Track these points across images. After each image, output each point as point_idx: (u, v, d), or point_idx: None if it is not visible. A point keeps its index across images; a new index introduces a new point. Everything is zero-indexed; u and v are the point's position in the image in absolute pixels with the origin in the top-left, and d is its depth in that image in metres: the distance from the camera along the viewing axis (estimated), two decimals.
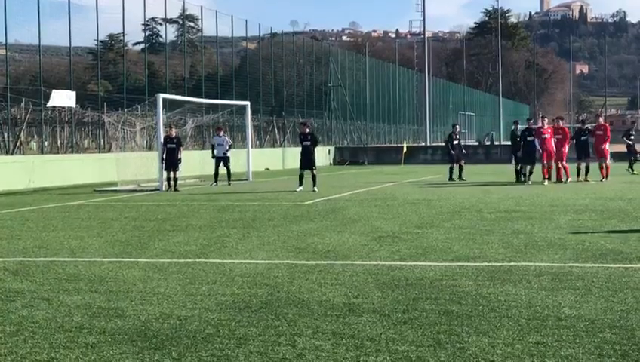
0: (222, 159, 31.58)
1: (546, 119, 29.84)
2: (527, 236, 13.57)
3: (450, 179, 31.64)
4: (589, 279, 9.45)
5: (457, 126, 34.96)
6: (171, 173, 28.13)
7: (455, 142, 32.73)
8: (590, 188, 26.00)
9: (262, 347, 6.68)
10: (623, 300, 8.26)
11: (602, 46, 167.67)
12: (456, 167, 32.26)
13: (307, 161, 26.68)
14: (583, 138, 30.01)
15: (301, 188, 26.41)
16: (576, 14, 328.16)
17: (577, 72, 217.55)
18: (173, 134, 29.14)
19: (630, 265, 10.42)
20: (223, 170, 31.52)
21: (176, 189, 27.73)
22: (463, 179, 31.44)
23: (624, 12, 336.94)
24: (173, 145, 28.45)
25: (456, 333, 7.00)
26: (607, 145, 29.85)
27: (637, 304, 8.07)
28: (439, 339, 6.82)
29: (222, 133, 33.01)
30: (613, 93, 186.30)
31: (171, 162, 28.17)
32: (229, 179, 31.25)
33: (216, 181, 31.04)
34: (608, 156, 29.93)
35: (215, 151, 31.90)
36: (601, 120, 31.85)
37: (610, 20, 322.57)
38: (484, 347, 6.57)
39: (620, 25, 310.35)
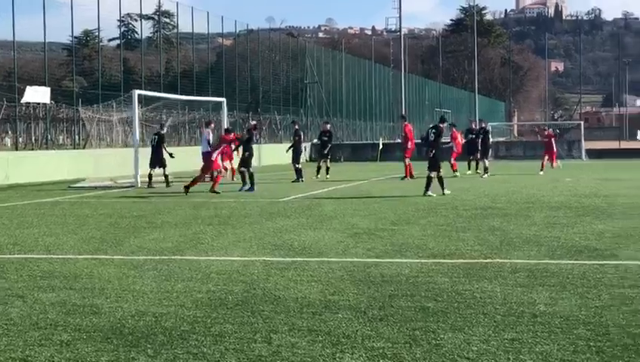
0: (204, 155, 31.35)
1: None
2: (503, 233, 13.63)
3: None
4: (564, 276, 9.50)
5: (328, 125, 33.92)
6: (156, 169, 28.04)
7: (325, 138, 32.08)
8: (565, 185, 26.15)
9: (238, 344, 6.68)
10: (597, 297, 8.31)
11: (577, 43, 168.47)
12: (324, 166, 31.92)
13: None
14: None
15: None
16: (551, 12, 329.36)
17: (553, 69, 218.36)
18: (163, 131, 29.29)
19: (604, 262, 10.48)
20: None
21: (151, 186, 27.57)
22: (327, 178, 30.88)
23: (599, 10, 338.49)
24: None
25: (432, 330, 7.02)
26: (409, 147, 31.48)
27: (611, 301, 8.12)
28: (415, 336, 6.83)
29: (212, 126, 32.50)
30: (588, 90, 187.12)
31: (159, 159, 28.07)
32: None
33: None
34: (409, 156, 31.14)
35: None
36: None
37: (585, 18, 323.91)
38: (460, 343, 6.59)
39: (595, 23, 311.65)
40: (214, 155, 24.98)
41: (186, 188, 23.72)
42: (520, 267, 10.18)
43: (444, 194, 21.71)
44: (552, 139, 34.19)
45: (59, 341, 6.85)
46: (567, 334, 6.85)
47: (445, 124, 24.00)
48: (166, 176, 27.95)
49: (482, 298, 8.32)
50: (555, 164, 33.80)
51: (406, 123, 32.69)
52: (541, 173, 32.37)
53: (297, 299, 8.38)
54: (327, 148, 31.97)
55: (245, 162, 25.49)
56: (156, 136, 28.85)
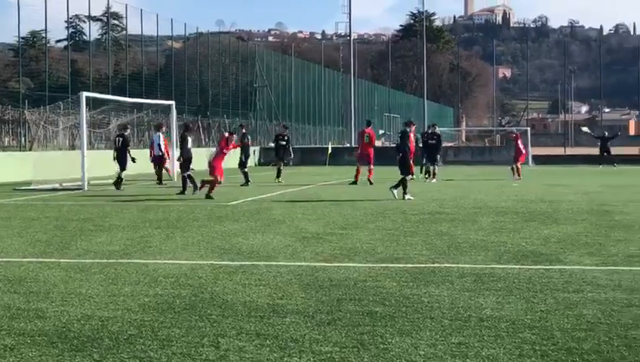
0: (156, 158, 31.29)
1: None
2: (451, 238, 13.72)
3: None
4: (511, 280, 9.59)
5: (287, 129, 34.90)
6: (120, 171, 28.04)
7: (282, 142, 32.42)
8: (512, 190, 26.40)
9: (185, 348, 6.64)
10: (542, 301, 8.40)
11: (525, 50, 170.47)
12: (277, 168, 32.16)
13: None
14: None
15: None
16: (499, 19, 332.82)
17: (500, 75, 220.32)
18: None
19: (550, 267, 10.60)
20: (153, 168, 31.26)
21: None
22: (280, 182, 30.98)
23: (546, 17, 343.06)
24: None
25: (380, 334, 7.04)
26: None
27: (556, 305, 8.21)
28: (363, 340, 6.85)
29: (163, 129, 32.35)
30: (535, 96, 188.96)
31: (123, 161, 28.01)
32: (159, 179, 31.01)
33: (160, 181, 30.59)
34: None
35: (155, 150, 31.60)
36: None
37: (532, 25, 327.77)
38: (407, 348, 6.62)
39: (541, 30, 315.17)
40: (212, 159, 24.21)
41: (207, 195, 23.24)
42: (467, 271, 10.25)
43: (403, 198, 21.81)
44: (519, 141, 33.91)
45: (2, 345, 6.76)
46: (513, 338, 6.91)
47: (411, 128, 24.31)
48: (120, 179, 27.80)
49: (430, 302, 8.36)
50: (519, 164, 33.38)
51: (365, 128, 32.23)
52: (519, 178, 32.53)
53: (245, 303, 8.36)
54: (290, 151, 32.54)
55: (185, 165, 25.10)
56: (121, 138, 28.70)
